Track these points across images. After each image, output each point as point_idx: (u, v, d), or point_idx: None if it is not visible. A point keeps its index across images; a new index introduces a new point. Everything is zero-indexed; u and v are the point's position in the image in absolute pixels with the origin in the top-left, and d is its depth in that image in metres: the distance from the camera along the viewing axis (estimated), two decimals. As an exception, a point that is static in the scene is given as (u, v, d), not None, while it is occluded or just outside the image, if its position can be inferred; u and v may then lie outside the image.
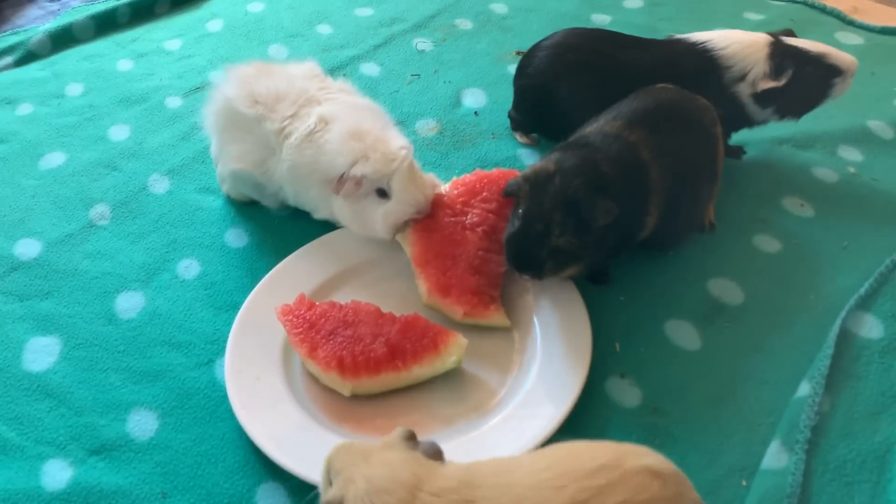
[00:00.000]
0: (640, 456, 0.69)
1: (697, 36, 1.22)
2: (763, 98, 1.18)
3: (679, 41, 1.24)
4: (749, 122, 1.23)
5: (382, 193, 1.06)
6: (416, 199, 1.06)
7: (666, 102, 1.08)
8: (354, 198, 1.07)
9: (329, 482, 0.72)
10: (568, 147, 1.03)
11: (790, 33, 1.21)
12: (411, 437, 0.74)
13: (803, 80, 1.17)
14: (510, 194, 1.01)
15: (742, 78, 1.17)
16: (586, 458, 0.68)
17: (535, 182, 0.98)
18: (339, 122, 1.08)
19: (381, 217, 1.07)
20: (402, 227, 1.09)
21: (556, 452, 0.70)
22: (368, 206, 1.07)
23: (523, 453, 0.71)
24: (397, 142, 1.06)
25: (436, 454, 0.73)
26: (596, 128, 1.05)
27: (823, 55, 1.17)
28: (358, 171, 1.04)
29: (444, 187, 1.15)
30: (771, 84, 1.16)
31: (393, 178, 1.04)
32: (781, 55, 1.16)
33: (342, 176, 1.05)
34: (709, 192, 1.13)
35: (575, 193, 0.95)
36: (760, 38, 1.18)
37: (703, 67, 1.19)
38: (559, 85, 1.25)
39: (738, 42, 1.18)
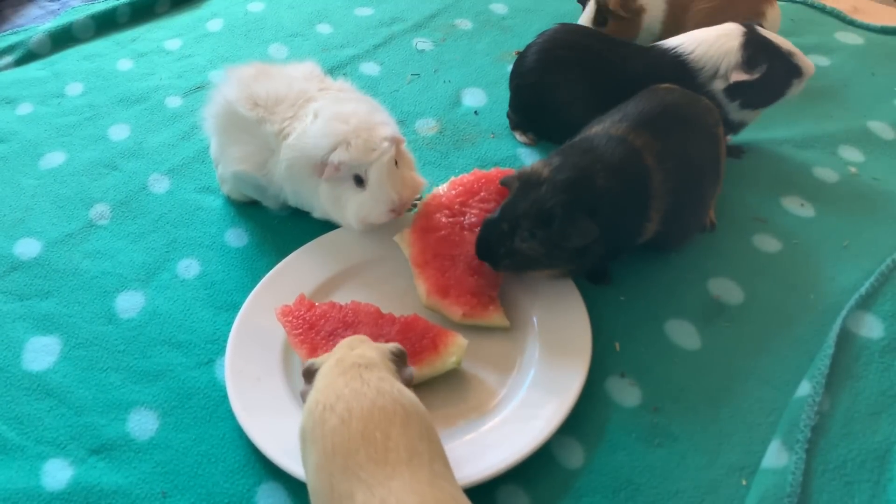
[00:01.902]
0: None
1: (671, 41, 1.23)
2: (733, 90, 1.18)
3: (656, 47, 1.25)
4: (727, 121, 1.21)
5: (359, 181, 1.05)
6: (390, 197, 1.05)
7: (672, 104, 1.08)
8: (335, 182, 1.06)
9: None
10: (571, 150, 1.03)
11: (759, 23, 1.22)
12: (401, 357, 0.83)
13: (771, 76, 1.17)
14: (504, 185, 1.04)
15: (715, 74, 1.18)
16: None
17: (525, 182, 0.99)
18: (326, 109, 1.08)
19: (354, 207, 1.06)
20: (375, 225, 1.08)
21: None
22: (345, 192, 1.07)
23: None
24: (383, 131, 1.05)
25: (406, 382, 0.81)
26: (601, 129, 1.05)
27: (792, 54, 1.18)
28: (335, 157, 1.02)
29: (442, 187, 1.15)
30: (744, 77, 1.16)
31: (370, 169, 1.03)
32: (755, 47, 1.16)
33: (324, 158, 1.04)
34: (712, 194, 1.13)
35: (552, 209, 0.96)
36: (733, 29, 1.19)
37: (678, 72, 1.19)
38: (549, 79, 1.27)
39: (705, 42, 1.19)
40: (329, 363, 0.80)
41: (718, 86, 1.18)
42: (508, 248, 0.99)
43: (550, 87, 1.27)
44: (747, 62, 1.15)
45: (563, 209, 0.95)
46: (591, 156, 1.00)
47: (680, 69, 1.19)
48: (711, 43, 1.18)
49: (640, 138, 1.02)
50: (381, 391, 0.74)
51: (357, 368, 0.77)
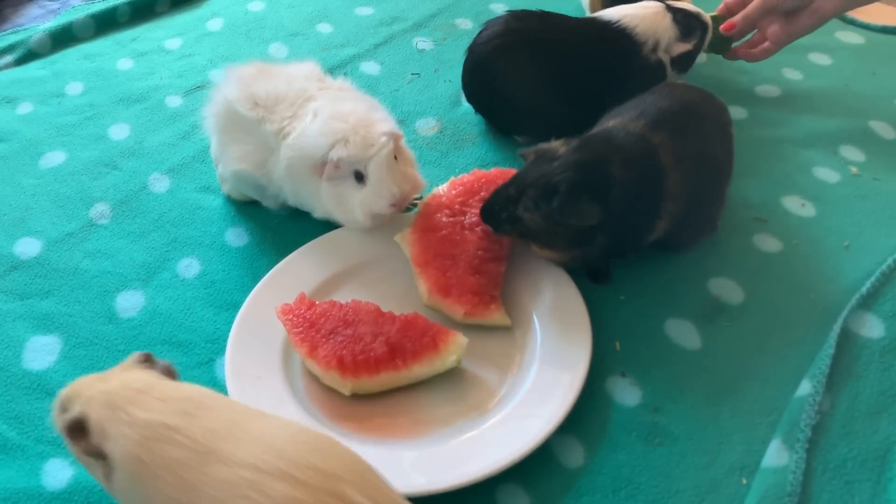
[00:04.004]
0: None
1: (609, 14, 1.31)
2: (676, 60, 1.31)
3: (597, 20, 1.32)
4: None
5: (360, 177, 1.06)
6: (391, 192, 1.05)
7: (690, 103, 1.07)
8: (336, 181, 1.07)
9: (63, 410, 0.75)
10: (591, 138, 1.03)
11: None
12: (147, 359, 0.80)
13: (700, 40, 1.32)
14: (521, 157, 1.06)
15: (656, 47, 1.29)
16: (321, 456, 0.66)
17: (541, 156, 1.01)
18: (325, 108, 1.08)
19: (359, 204, 1.06)
20: (381, 219, 1.08)
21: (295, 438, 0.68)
22: (347, 190, 1.07)
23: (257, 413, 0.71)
24: (381, 127, 1.05)
25: (169, 373, 0.79)
26: (619, 123, 1.05)
27: (699, 13, 1.32)
28: (335, 154, 1.03)
29: (443, 187, 1.15)
30: (685, 47, 1.29)
31: (370, 164, 1.04)
32: (683, 20, 1.30)
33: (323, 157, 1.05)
34: (724, 195, 1.13)
35: (557, 184, 0.96)
36: (657, 7, 1.30)
37: (624, 45, 1.29)
38: (499, 65, 1.29)
39: (643, 18, 1.29)
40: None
41: (663, 58, 1.29)
42: (511, 214, 1.00)
43: (495, 78, 1.30)
44: (683, 34, 1.29)
45: (567, 186, 0.95)
46: (610, 145, 1.01)
47: (626, 42, 1.29)
48: (651, 19, 1.29)
49: (657, 136, 1.01)
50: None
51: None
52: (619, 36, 1.29)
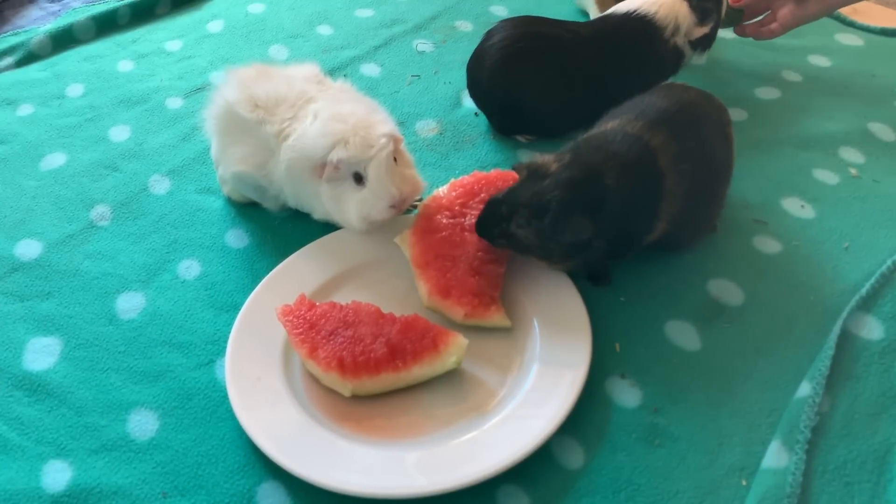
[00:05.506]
0: None
1: (624, 7, 1.36)
2: (695, 42, 1.35)
3: (611, 15, 1.37)
4: (681, 66, 1.39)
5: (359, 179, 1.06)
6: (390, 193, 1.05)
7: (689, 103, 1.07)
8: (335, 182, 1.07)
9: None
10: (584, 145, 1.03)
11: None
12: None
13: (718, 20, 1.38)
14: (514, 171, 1.06)
15: (676, 32, 1.33)
16: None
17: (533, 172, 1.00)
18: (325, 110, 1.09)
19: (355, 205, 1.07)
20: (378, 223, 1.08)
21: None
22: (346, 192, 1.07)
23: None
24: (381, 128, 1.06)
25: None
26: (617, 124, 1.05)
27: None
28: (334, 156, 1.03)
29: (443, 189, 1.15)
30: (703, 31, 1.34)
31: (369, 165, 1.04)
32: (699, 4, 1.34)
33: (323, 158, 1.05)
34: (724, 194, 1.13)
35: (548, 203, 0.96)
36: None
37: (645, 31, 1.33)
38: (515, 74, 1.31)
39: (661, 5, 1.34)
40: None
41: (681, 40, 1.34)
42: (504, 230, 1.01)
43: (518, 82, 1.31)
44: (701, 19, 1.33)
45: (558, 205, 0.96)
46: (604, 153, 1.00)
47: (646, 28, 1.32)
48: (667, 6, 1.33)
49: (656, 138, 1.01)
50: None
51: None
52: (638, 24, 1.32)
